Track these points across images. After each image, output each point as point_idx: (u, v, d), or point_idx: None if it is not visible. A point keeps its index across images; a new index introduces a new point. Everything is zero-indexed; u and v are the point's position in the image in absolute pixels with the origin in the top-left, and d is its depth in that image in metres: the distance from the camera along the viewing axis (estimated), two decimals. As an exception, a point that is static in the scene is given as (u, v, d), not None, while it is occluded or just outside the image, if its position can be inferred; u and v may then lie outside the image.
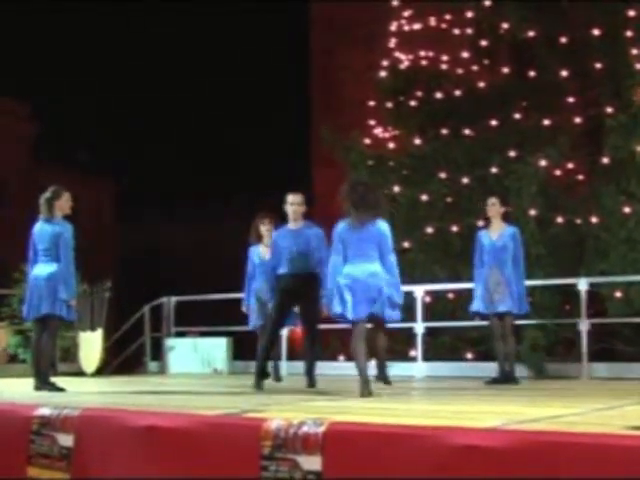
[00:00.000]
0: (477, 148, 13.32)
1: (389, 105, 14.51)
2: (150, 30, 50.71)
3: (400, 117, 14.43)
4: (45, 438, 5.35)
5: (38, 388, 8.40)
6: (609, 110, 12.27)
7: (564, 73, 12.95)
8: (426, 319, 11.49)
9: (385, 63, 14.74)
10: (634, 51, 12.46)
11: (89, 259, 12.21)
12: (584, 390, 8.46)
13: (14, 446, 5.49)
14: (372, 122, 14.78)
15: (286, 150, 37.10)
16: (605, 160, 12.10)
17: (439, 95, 14.02)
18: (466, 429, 4.32)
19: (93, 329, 12.68)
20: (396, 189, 13.62)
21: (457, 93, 13.90)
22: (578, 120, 12.81)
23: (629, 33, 12.64)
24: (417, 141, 14.09)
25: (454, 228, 12.95)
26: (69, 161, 41.75)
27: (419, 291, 11.37)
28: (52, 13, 48.12)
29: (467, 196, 13.01)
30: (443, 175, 13.36)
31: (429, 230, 13.19)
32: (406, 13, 14.93)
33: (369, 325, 7.51)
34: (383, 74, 14.69)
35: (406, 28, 14.86)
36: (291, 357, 12.27)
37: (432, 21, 14.57)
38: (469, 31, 14.17)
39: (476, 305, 9.44)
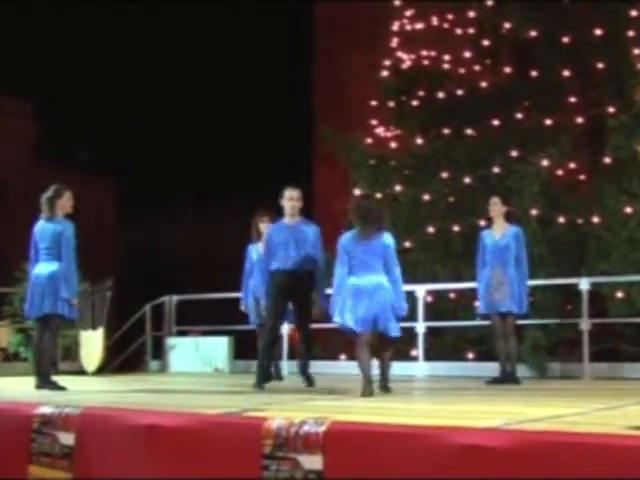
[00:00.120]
0: (479, 148, 13.31)
1: (391, 105, 14.50)
2: (150, 30, 50.72)
3: (402, 117, 14.42)
4: (46, 437, 5.35)
5: (39, 387, 8.40)
6: (611, 110, 12.26)
7: (566, 73, 12.94)
8: (427, 319, 11.48)
9: (387, 63, 14.74)
10: (636, 51, 12.46)
11: (90, 258, 12.22)
12: (585, 390, 8.46)
13: (15, 445, 5.49)
14: (374, 122, 14.77)
15: (287, 150, 37.09)
16: (607, 160, 12.09)
17: (441, 95, 14.02)
18: (467, 429, 4.31)
19: (94, 328, 12.67)
20: (398, 189, 13.62)
21: (459, 93, 13.89)
22: (580, 120, 12.81)
23: (631, 33, 12.63)
24: (419, 141, 14.09)
25: (456, 228, 12.94)
26: (69, 161, 41.79)
27: (420, 291, 11.37)
28: (53, 13, 48.12)
29: (469, 196, 13.01)
30: (445, 175, 13.35)
31: (431, 230, 13.19)
32: (408, 13, 14.92)
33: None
34: (385, 74, 14.69)
35: (408, 28, 14.86)
36: (292, 356, 12.26)
37: (434, 21, 14.57)
38: (471, 31, 14.16)
39: (481, 307, 9.46)
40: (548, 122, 12.80)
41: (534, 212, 11.82)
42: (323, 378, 9.82)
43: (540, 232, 11.62)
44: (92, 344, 12.67)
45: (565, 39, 13.12)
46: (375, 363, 7.72)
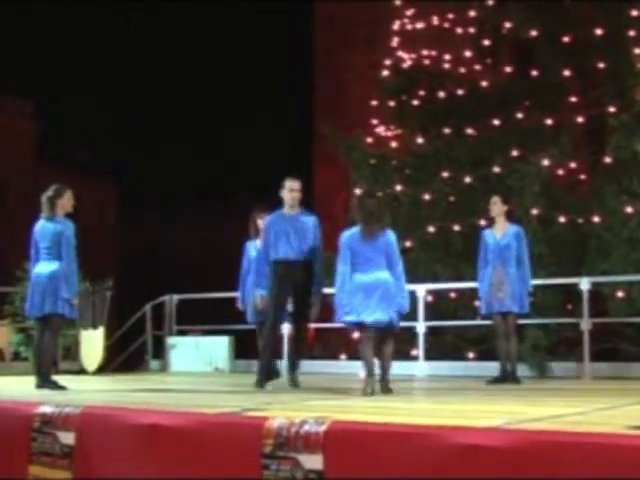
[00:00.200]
0: (479, 147, 13.31)
1: (392, 104, 14.50)
2: (150, 30, 50.75)
3: (402, 116, 14.42)
4: (47, 436, 5.35)
5: (40, 386, 8.40)
6: (612, 110, 12.26)
7: (567, 72, 12.94)
8: (428, 318, 11.48)
9: (388, 62, 14.74)
10: (637, 50, 12.45)
11: (90, 258, 12.22)
12: (586, 390, 8.46)
13: (16, 444, 5.49)
14: (375, 121, 14.77)
15: (287, 150, 37.11)
16: (607, 160, 12.09)
17: (441, 94, 14.02)
18: (468, 428, 4.31)
19: (95, 327, 12.68)
20: (398, 188, 13.62)
21: (460, 92, 13.89)
22: (580, 120, 12.81)
23: (632, 33, 12.62)
24: (419, 140, 14.10)
25: (456, 227, 12.94)
26: (70, 161, 41.81)
27: (421, 290, 11.36)
28: (53, 13, 48.14)
29: (469, 195, 13.01)
30: (445, 174, 13.35)
31: (431, 229, 13.19)
32: (409, 12, 14.93)
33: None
34: (386, 73, 14.69)
35: (409, 27, 14.86)
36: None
37: (435, 20, 14.56)
38: (472, 30, 14.16)
39: (483, 306, 9.46)
40: (549, 122, 12.80)
41: (535, 212, 11.82)
42: (324, 377, 9.83)
43: (540, 232, 11.62)
44: (93, 344, 12.67)
45: (566, 39, 13.12)
46: (376, 363, 7.72)
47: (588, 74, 13.06)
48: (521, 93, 13.37)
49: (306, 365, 12.05)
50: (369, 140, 14.48)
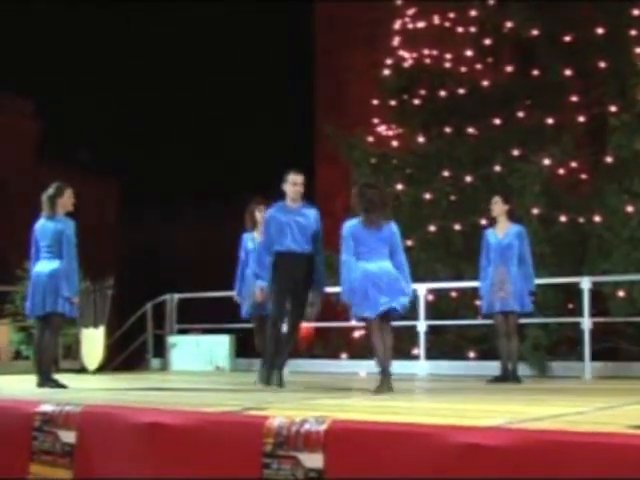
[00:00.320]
0: (480, 147, 13.32)
1: (393, 103, 14.49)
2: (150, 30, 50.74)
3: (404, 115, 14.42)
4: (47, 435, 5.35)
5: (41, 385, 8.40)
6: (613, 109, 12.26)
7: (568, 72, 12.94)
8: (428, 317, 11.48)
9: (389, 61, 14.73)
10: (638, 50, 12.45)
11: (91, 257, 12.22)
12: (587, 389, 8.46)
13: (16, 443, 5.49)
14: (376, 120, 14.77)
15: (288, 149, 37.12)
16: (608, 159, 12.09)
17: (443, 93, 14.02)
18: (468, 427, 4.31)
19: (96, 326, 12.67)
20: (399, 187, 13.61)
21: (461, 91, 13.89)
22: (582, 119, 12.81)
23: (633, 32, 12.62)
24: (420, 139, 14.10)
25: (457, 227, 12.94)
26: (70, 160, 41.82)
27: (422, 289, 11.35)
28: (54, 13, 48.14)
29: (470, 195, 13.01)
30: (446, 173, 13.36)
31: (432, 228, 13.19)
32: (410, 11, 14.92)
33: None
34: (387, 72, 14.69)
35: (410, 26, 14.86)
36: (292, 355, 12.25)
37: (436, 19, 14.56)
38: (473, 30, 14.16)
39: (484, 306, 9.46)
40: (550, 121, 12.80)
41: (535, 211, 11.82)
42: (324, 377, 9.83)
43: (541, 231, 11.62)
44: (93, 342, 12.66)
45: (567, 38, 13.12)
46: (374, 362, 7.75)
47: (589, 73, 13.06)
48: (522, 92, 13.37)
49: (307, 364, 12.11)
50: (370, 139, 14.47)
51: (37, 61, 49.14)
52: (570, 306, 11.56)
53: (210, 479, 4.68)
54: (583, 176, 12.89)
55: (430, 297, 12.02)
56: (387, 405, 6.37)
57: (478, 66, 14.11)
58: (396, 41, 14.90)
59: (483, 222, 11.71)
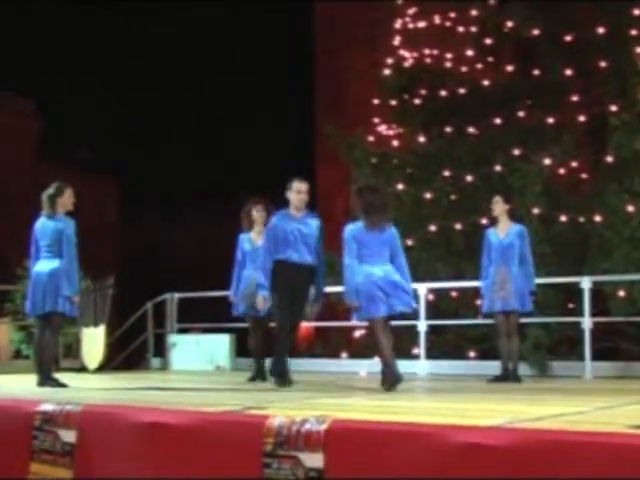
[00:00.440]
0: (481, 146, 13.31)
1: (393, 103, 14.48)
2: (150, 30, 50.75)
3: (404, 115, 14.41)
4: (48, 434, 5.35)
5: (41, 384, 8.40)
6: (613, 108, 12.24)
7: (568, 71, 12.93)
8: (429, 317, 11.48)
9: (389, 61, 14.73)
10: (638, 49, 12.44)
11: (91, 256, 12.22)
12: (587, 389, 8.46)
13: (17, 442, 5.49)
14: (376, 120, 14.76)
15: (288, 149, 37.12)
16: (609, 159, 12.08)
17: (443, 93, 14.01)
18: (469, 427, 4.31)
19: (96, 325, 12.68)
20: (400, 187, 13.60)
21: (461, 91, 13.88)
22: (582, 119, 12.81)
23: (633, 32, 12.62)
24: (421, 139, 14.09)
25: (458, 226, 12.94)
26: (70, 159, 41.84)
27: (422, 289, 11.35)
28: (55, 12, 48.14)
29: (471, 194, 13.01)
30: (447, 173, 13.35)
31: (432, 228, 13.18)
32: (410, 11, 14.92)
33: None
34: (387, 72, 14.68)
35: (410, 26, 14.85)
36: (292, 354, 12.25)
37: (436, 19, 14.55)
38: (473, 29, 14.15)
39: (486, 306, 9.46)
40: (550, 121, 12.80)
41: (536, 211, 11.82)
42: (325, 376, 9.83)
43: (542, 231, 11.62)
44: (94, 341, 12.67)
45: (567, 38, 13.11)
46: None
47: (590, 73, 13.05)
48: (523, 92, 13.37)
49: (307, 363, 12.11)
50: (370, 139, 14.47)
51: (38, 61, 49.16)
52: (570, 306, 11.55)
53: (210, 479, 4.68)
54: (584, 176, 12.89)
55: (430, 297, 12.02)
56: (387, 405, 6.37)
57: (479, 66, 14.10)
58: (397, 41, 14.89)
59: (484, 222, 11.71)
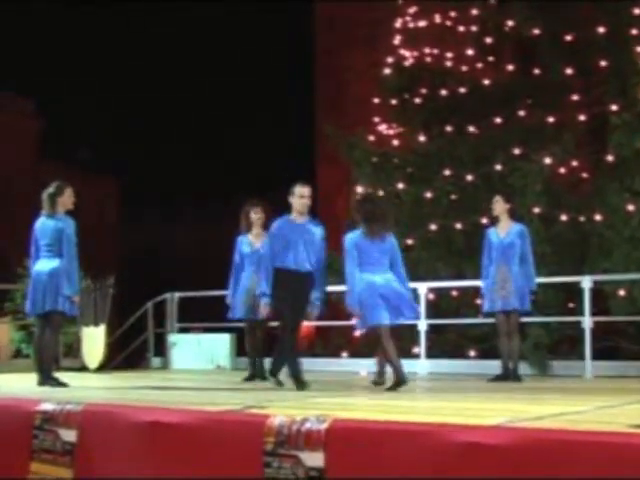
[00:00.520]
0: (482, 146, 13.30)
1: (393, 102, 14.48)
2: (151, 30, 50.78)
3: (404, 114, 14.40)
4: (48, 433, 5.35)
5: (41, 383, 8.40)
6: (614, 108, 12.23)
7: (569, 71, 12.93)
8: (429, 316, 11.47)
9: (390, 60, 14.71)
10: (639, 49, 12.43)
11: (91, 255, 12.22)
12: (587, 388, 8.46)
13: (17, 441, 5.49)
14: (376, 119, 14.75)
15: (289, 149, 37.15)
16: (609, 158, 12.07)
17: (443, 92, 14.00)
18: (469, 426, 4.31)
19: (96, 324, 12.68)
20: (400, 186, 13.60)
21: (462, 90, 13.87)
22: (582, 118, 12.79)
23: (634, 31, 12.61)
24: (421, 138, 14.08)
25: (458, 225, 12.93)
26: (70, 159, 41.85)
27: (422, 288, 11.35)
28: (55, 12, 48.15)
29: (471, 194, 13.00)
30: (447, 172, 13.34)
31: (433, 227, 13.18)
32: (411, 10, 14.91)
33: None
34: (387, 71, 14.67)
35: (411, 25, 14.84)
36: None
37: (437, 18, 14.55)
38: (474, 28, 14.14)
39: (486, 305, 9.45)
40: (551, 120, 12.79)
41: (536, 210, 11.81)
42: (325, 376, 9.83)
43: (542, 230, 11.62)
44: (94, 341, 12.67)
45: (568, 37, 13.11)
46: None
47: (590, 72, 13.05)
48: (523, 91, 13.36)
49: (308, 363, 12.04)
50: (371, 138, 14.46)
51: (38, 61, 49.19)
52: (571, 305, 11.55)
53: (211, 478, 4.68)
54: (584, 175, 12.88)
55: (431, 296, 12.02)
56: (388, 404, 6.37)
57: (479, 65, 14.09)
58: (397, 40, 14.88)
59: (484, 221, 11.71)
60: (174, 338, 13.26)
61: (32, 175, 39.04)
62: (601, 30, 12.86)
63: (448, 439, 4.06)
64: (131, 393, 7.63)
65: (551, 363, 10.91)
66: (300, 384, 7.78)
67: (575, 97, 12.98)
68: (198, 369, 12.47)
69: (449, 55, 14.29)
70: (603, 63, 12.75)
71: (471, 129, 13.51)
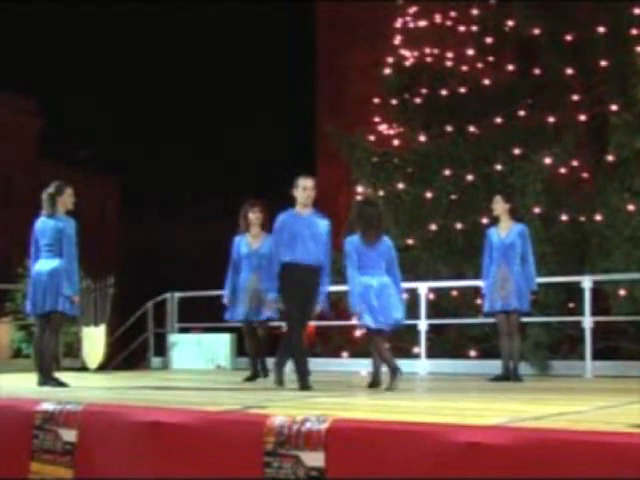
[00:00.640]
0: (482, 146, 13.30)
1: (394, 102, 14.48)
2: (152, 30, 50.84)
3: (405, 114, 14.40)
4: (48, 433, 5.35)
5: (42, 383, 8.40)
6: (614, 108, 12.23)
7: (569, 71, 12.92)
8: (429, 316, 11.47)
9: (390, 60, 14.71)
10: (639, 49, 12.43)
11: (92, 255, 12.23)
12: (587, 388, 8.46)
13: (17, 441, 5.49)
14: (377, 119, 14.74)
15: (290, 149, 37.19)
16: (610, 158, 12.07)
17: (444, 92, 14.00)
18: (470, 426, 4.31)
19: (96, 324, 12.69)
20: (400, 186, 13.60)
21: (462, 90, 13.87)
22: (583, 118, 12.79)
23: (634, 31, 12.60)
24: (422, 138, 14.07)
25: (458, 225, 12.93)
26: (71, 159, 41.88)
27: (423, 288, 11.35)
28: (57, 12, 48.18)
29: (471, 194, 13.00)
30: (447, 172, 13.34)
31: (433, 227, 13.18)
32: (411, 10, 14.91)
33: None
34: (388, 71, 14.67)
35: (411, 25, 14.84)
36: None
37: (437, 18, 14.55)
38: (474, 28, 14.13)
39: (487, 305, 9.45)
40: (551, 120, 12.79)
41: (537, 210, 11.81)
42: (326, 375, 9.82)
43: (543, 230, 11.61)
44: (94, 341, 12.67)
45: (568, 37, 13.10)
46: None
47: (590, 72, 13.04)
48: (523, 91, 13.35)
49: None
50: (371, 138, 14.45)
51: (38, 60, 49.23)
52: (571, 305, 11.55)
53: (211, 478, 4.68)
54: (584, 175, 12.87)
55: (431, 296, 12.02)
56: (388, 404, 6.37)
57: (479, 65, 14.08)
58: (397, 40, 14.88)
59: (484, 221, 11.71)
60: (174, 338, 13.26)
61: (33, 175, 39.05)
62: (601, 30, 12.85)
63: (448, 439, 4.05)
64: (131, 393, 7.63)
65: (551, 363, 10.92)
66: (304, 385, 7.66)
67: (575, 97, 12.97)
68: (198, 369, 12.48)
69: (449, 55, 14.28)
70: (603, 63, 12.75)
71: (471, 129, 13.51)
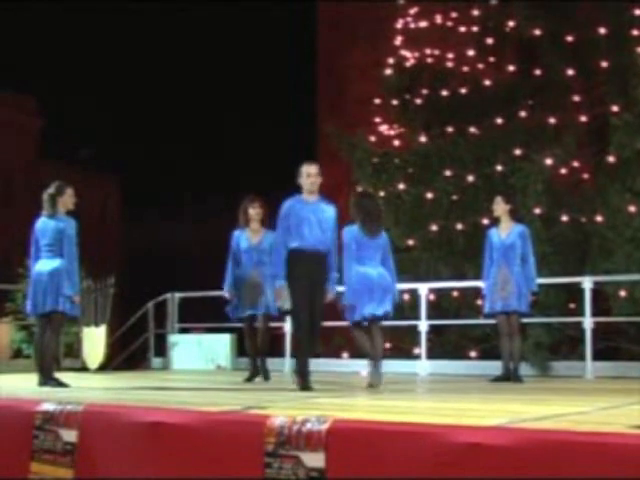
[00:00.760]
0: (482, 146, 13.30)
1: (394, 102, 14.48)
2: (152, 29, 50.85)
3: (405, 115, 14.40)
4: (48, 434, 5.35)
5: (42, 383, 8.40)
6: (615, 108, 12.24)
7: (570, 71, 12.92)
8: (430, 317, 11.47)
9: (391, 60, 14.71)
10: (640, 49, 12.44)
11: (92, 255, 12.23)
12: (588, 389, 8.46)
13: (17, 441, 5.49)
14: (377, 119, 14.75)
15: (291, 148, 37.17)
16: (610, 159, 12.07)
17: (445, 93, 14.00)
18: (470, 427, 4.31)
19: (97, 325, 12.69)
20: (401, 187, 13.61)
21: (463, 91, 13.87)
22: (584, 118, 12.79)
23: (635, 32, 12.61)
24: (422, 139, 14.07)
25: (459, 226, 12.94)
26: (71, 158, 41.90)
27: (423, 289, 11.35)
28: (57, 11, 48.18)
29: (472, 194, 13.00)
30: (448, 173, 13.34)
31: (434, 228, 13.18)
32: (412, 11, 14.91)
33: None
34: (389, 72, 14.67)
35: (412, 26, 14.84)
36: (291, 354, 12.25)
37: (438, 19, 14.55)
38: (475, 29, 14.14)
39: (487, 306, 9.44)
40: (552, 121, 12.79)
41: (538, 211, 11.81)
42: (326, 375, 9.82)
43: (543, 231, 11.61)
44: (95, 341, 12.67)
45: (569, 38, 13.10)
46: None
47: (591, 73, 13.04)
48: (524, 92, 13.35)
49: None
50: (372, 139, 14.45)
51: (38, 59, 49.24)
52: (572, 306, 11.55)
53: (211, 479, 4.68)
54: (585, 176, 12.87)
55: (432, 296, 12.02)
56: (388, 404, 6.37)
57: (480, 65, 14.08)
58: (398, 40, 14.88)
59: (485, 222, 11.71)
60: (175, 338, 13.26)
61: (33, 174, 39.05)
62: (602, 31, 12.85)
63: (449, 440, 4.05)
64: (131, 393, 7.63)
65: (552, 364, 10.91)
66: (304, 385, 7.59)
67: (576, 98, 12.97)
68: (199, 369, 12.48)
69: (450, 56, 14.29)
70: (604, 64, 12.75)
71: (472, 130, 13.51)
